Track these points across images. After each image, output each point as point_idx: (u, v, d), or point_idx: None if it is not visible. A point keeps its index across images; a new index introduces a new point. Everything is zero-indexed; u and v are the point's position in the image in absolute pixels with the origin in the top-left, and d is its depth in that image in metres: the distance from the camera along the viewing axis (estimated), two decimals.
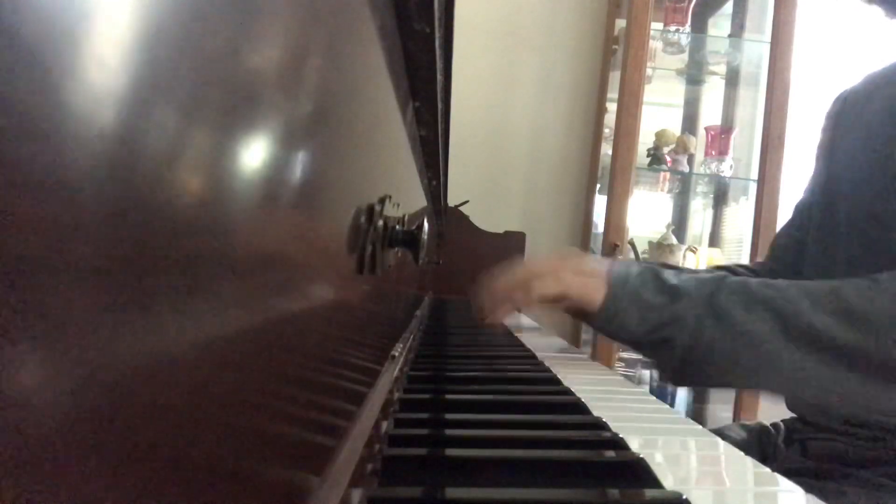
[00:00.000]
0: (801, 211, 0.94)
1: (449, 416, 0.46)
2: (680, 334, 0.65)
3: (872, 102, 0.83)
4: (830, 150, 0.90)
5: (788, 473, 0.38)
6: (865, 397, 0.61)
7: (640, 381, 1.87)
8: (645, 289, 0.68)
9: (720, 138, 2.00)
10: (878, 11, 0.81)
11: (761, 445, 0.86)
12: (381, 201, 0.36)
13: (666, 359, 0.66)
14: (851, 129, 0.86)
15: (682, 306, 0.65)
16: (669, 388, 1.94)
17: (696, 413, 1.92)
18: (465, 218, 1.83)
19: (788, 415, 0.88)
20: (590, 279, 0.69)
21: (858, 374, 0.60)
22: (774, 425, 0.88)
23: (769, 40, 1.89)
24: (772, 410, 0.98)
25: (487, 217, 1.89)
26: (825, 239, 0.85)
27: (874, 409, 0.65)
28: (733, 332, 0.63)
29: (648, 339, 0.67)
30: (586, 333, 1.93)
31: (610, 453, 0.39)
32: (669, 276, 0.69)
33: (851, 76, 0.92)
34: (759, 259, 1.84)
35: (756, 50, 2.04)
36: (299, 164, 0.20)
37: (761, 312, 0.63)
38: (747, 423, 0.94)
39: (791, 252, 0.93)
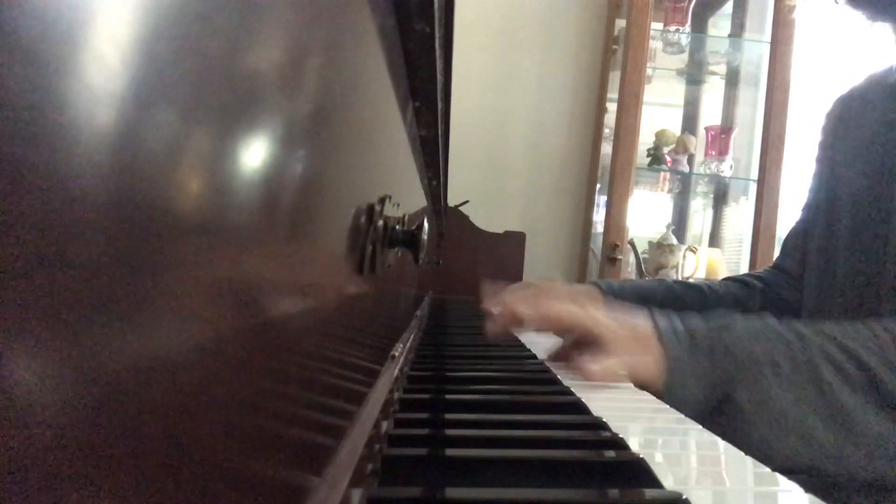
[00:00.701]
0: (808, 213, 0.94)
1: (449, 416, 0.46)
2: (743, 390, 0.59)
3: (872, 106, 0.83)
4: (831, 154, 0.90)
5: (786, 472, 0.38)
6: None
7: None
8: (702, 353, 0.62)
9: (720, 138, 2.00)
10: (861, 15, 0.80)
11: None
12: (381, 201, 0.36)
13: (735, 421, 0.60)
14: (851, 133, 0.86)
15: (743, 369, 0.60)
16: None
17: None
18: (465, 218, 1.83)
19: None
20: (639, 343, 0.63)
21: None
22: None
23: (769, 40, 1.89)
24: None
25: (487, 217, 1.89)
26: (827, 243, 0.85)
27: None
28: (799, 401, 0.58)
29: (710, 404, 0.61)
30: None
31: (610, 453, 0.39)
32: (718, 326, 0.63)
33: (852, 76, 0.92)
34: (759, 259, 1.84)
35: (756, 50, 2.05)
36: (299, 164, 0.20)
37: (827, 372, 0.58)
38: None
39: (800, 253, 0.93)
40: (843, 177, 0.84)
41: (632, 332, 0.64)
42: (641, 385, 0.63)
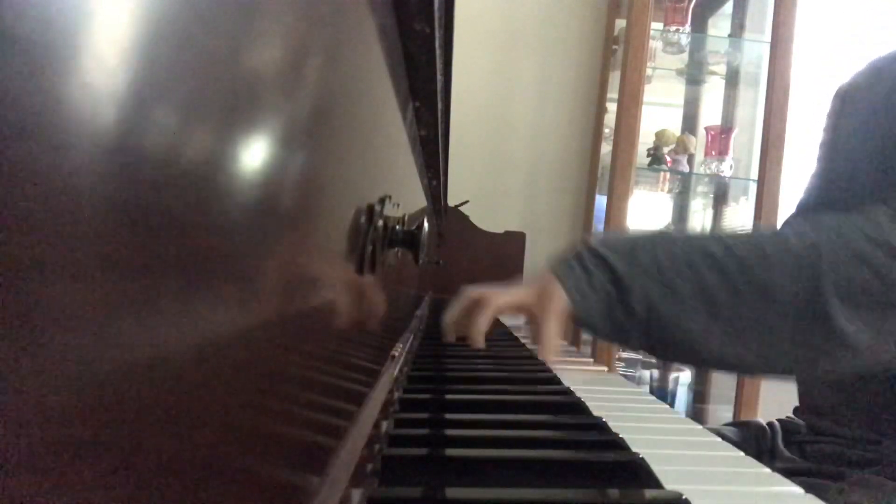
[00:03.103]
0: (805, 199, 0.94)
1: (449, 416, 0.46)
2: (637, 307, 0.64)
3: (876, 90, 0.83)
4: (832, 139, 0.90)
5: (786, 473, 0.38)
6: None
7: (640, 381, 1.87)
8: (586, 273, 0.67)
9: (720, 138, 2.00)
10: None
11: (758, 445, 0.86)
12: (381, 201, 0.36)
13: (639, 332, 0.65)
14: (852, 118, 0.86)
15: (622, 277, 0.65)
16: (669, 387, 1.95)
17: (696, 413, 1.92)
18: (465, 218, 1.83)
19: (785, 414, 0.88)
20: (536, 285, 0.70)
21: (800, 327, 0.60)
22: (770, 425, 0.88)
23: (769, 40, 1.89)
24: (772, 410, 0.98)
25: (487, 217, 1.89)
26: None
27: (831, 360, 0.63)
28: (676, 290, 0.63)
29: (612, 323, 0.66)
30: (587, 334, 1.93)
31: (610, 453, 0.39)
32: (604, 249, 0.68)
33: (852, 71, 0.92)
34: None
35: (756, 50, 2.04)
36: (299, 164, 0.20)
37: (702, 266, 0.63)
38: (745, 421, 0.94)
39: None
40: (842, 164, 0.84)
41: (536, 288, 0.70)
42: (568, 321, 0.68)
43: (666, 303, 0.63)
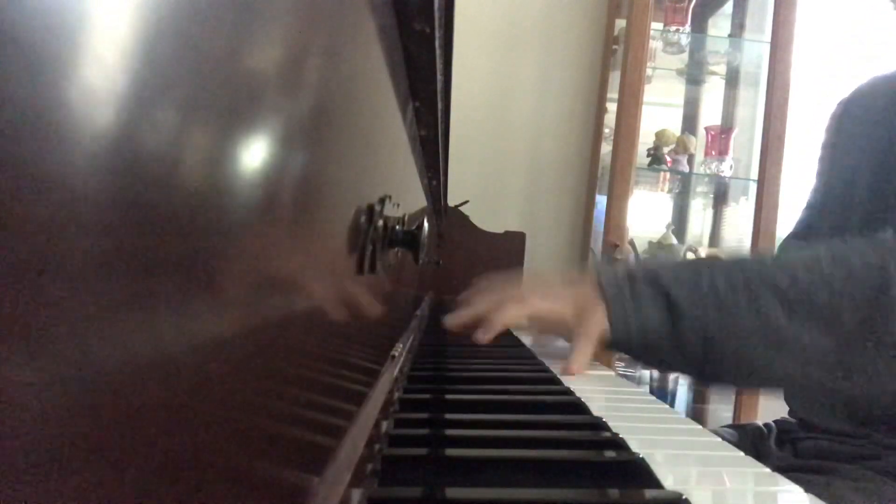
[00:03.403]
0: (807, 215, 0.94)
1: (449, 415, 0.46)
2: (690, 332, 0.63)
3: (880, 105, 0.83)
4: (832, 154, 0.90)
5: (780, 472, 0.38)
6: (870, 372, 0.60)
7: (640, 381, 1.87)
8: (638, 293, 0.65)
9: (720, 138, 2.00)
10: (886, 4, 0.81)
11: (755, 446, 0.86)
12: (381, 201, 0.36)
13: (687, 360, 0.64)
14: (854, 132, 0.86)
15: (678, 303, 0.63)
16: (669, 387, 1.94)
17: (696, 413, 1.92)
18: (465, 218, 1.83)
19: (782, 416, 0.88)
20: (576, 295, 0.67)
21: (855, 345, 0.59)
22: (767, 426, 0.88)
23: (769, 40, 1.89)
24: (770, 411, 0.98)
25: (487, 217, 1.89)
26: (839, 234, 0.85)
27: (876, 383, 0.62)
28: (737, 322, 0.61)
29: (669, 335, 0.64)
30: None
31: (610, 453, 0.39)
32: (659, 272, 0.66)
33: (852, 76, 0.93)
34: None
35: (756, 50, 2.04)
36: (299, 165, 0.20)
37: (763, 295, 0.62)
38: (741, 423, 0.94)
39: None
40: (845, 174, 0.84)
41: (578, 301, 0.68)
42: (588, 334, 0.67)
43: (725, 334, 0.62)
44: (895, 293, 0.60)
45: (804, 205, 0.96)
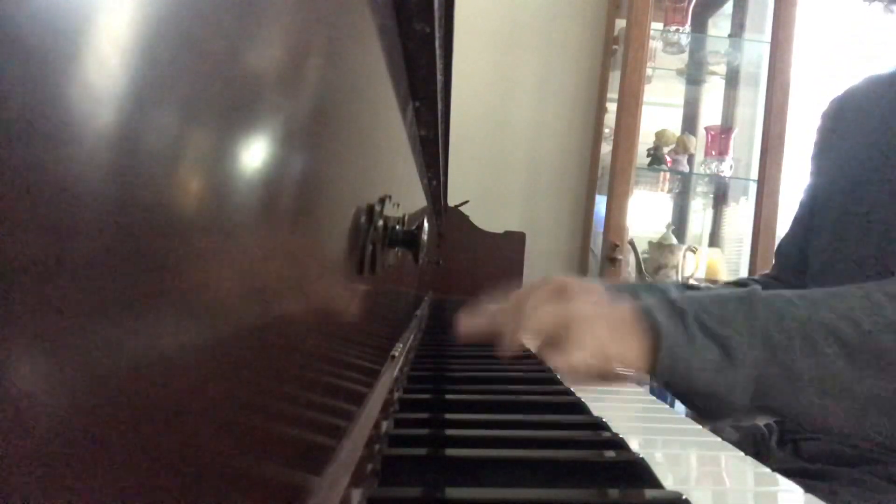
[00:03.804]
0: (801, 214, 0.94)
1: (449, 415, 0.46)
2: (739, 379, 0.58)
3: (874, 103, 0.82)
4: (825, 152, 0.90)
5: (781, 473, 0.38)
6: None
7: (640, 382, 1.87)
8: (690, 336, 0.59)
9: (720, 138, 2.00)
10: (877, 6, 0.80)
11: (755, 446, 0.86)
12: (381, 201, 0.36)
13: (728, 408, 0.59)
14: (848, 130, 0.86)
15: (733, 347, 0.59)
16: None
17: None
18: (465, 218, 1.83)
19: None
20: (617, 331, 0.61)
21: None
22: (767, 426, 0.88)
23: (769, 40, 1.89)
24: None
25: (487, 217, 1.89)
26: (824, 243, 0.85)
27: None
28: (793, 370, 0.57)
29: (709, 391, 0.59)
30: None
31: (610, 453, 0.39)
32: (707, 310, 0.61)
33: (851, 76, 0.92)
34: (759, 259, 1.84)
35: (756, 50, 2.05)
36: (299, 165, 0.20)
37: (820, 340, 0.57)
38: (741, 424, 0.93)
39: (795, 259, 0.93)
40: (840, 172, 0.84)
41: (608, 319, 0.62)
42: (628, 368, 0.61)
43: (778, 381, 0.58)
44: None
45: (798, 204, 0.96)
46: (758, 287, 0.64)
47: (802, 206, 0.94)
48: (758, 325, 0.59)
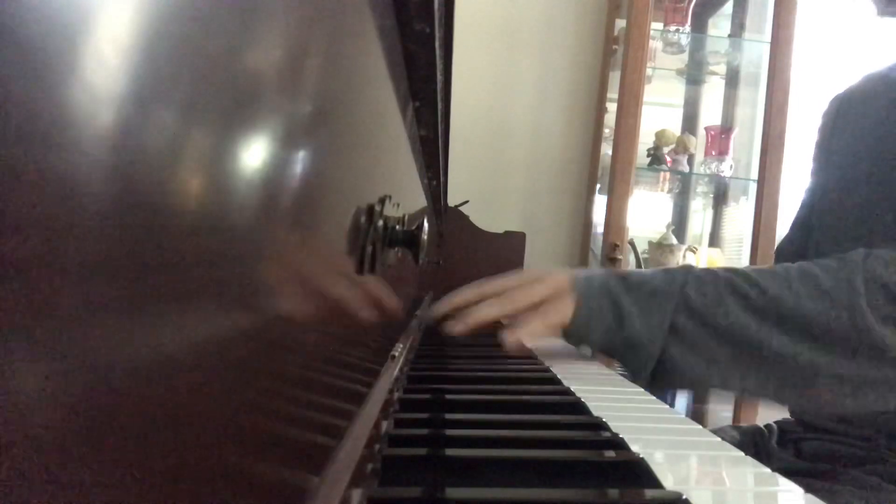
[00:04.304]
0: (802, 214, 0.94)
1: (449, 416, 0.46)
2: (646, 332, 0.64)
3: (875, 102, 0.82)
4: (826, 152, 0.90)
5: (782, 473, 0.38)
6: (857, 383, 0.60)
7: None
8: (612, 289, 0.67)
9: (720, 138, 2.00)
10: (869, 8, 0.81)
11: (755, 447, 0.86)
12: (381, 201, 0.36)
13: (640, 360, 0.65)
14: (849, 129, 0.86)
15: (655, 304, 0.65)
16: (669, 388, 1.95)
17: (696, 413, 1.92)
18: (465, 218, 1.83)
19: (783, 416, 0.88)
20: (548, 290, 0.69)
21: (846, 357, 0.59)
22: (768, 427, 0.88)
23: (769, 40, 1.89)
24: (769, 412, 0.98)
25: (487, 217, 1.89)
26: (824, 243, 0.85)
27: (868, 400, 0.62)
28: (712, 326, 0.63)
29: (620, 341, 0.66)
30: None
31: (610, 453, 0.39)
32: (635, 274, 0.69)
33: (851, 76, 0.92)
34: (759, 259, 1.84)
35: (756, 50, 2.05)
36: (299, 165, 0.20)
37: (730, 300, 0.63)
38: (741, 424, 0.93)
39: (795, 259, 0.93)
40: (840, 171, 0.84)
41: (546, 291, 0.70)
42: (558, 333, 0.69)
43: (691, 336, 0.64)
44: (862, 301, 0.60)
45: (799, 204, 0.96)
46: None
47: (803, 206, 0.94)
48: (675, 286, 0.65)
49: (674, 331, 0.64)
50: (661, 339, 0.64)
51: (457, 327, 0.72)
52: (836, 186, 0.84)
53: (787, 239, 0.97)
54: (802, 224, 0.93)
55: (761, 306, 0.62)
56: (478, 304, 0.73)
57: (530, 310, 0.70)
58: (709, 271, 0.67)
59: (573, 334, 0.69)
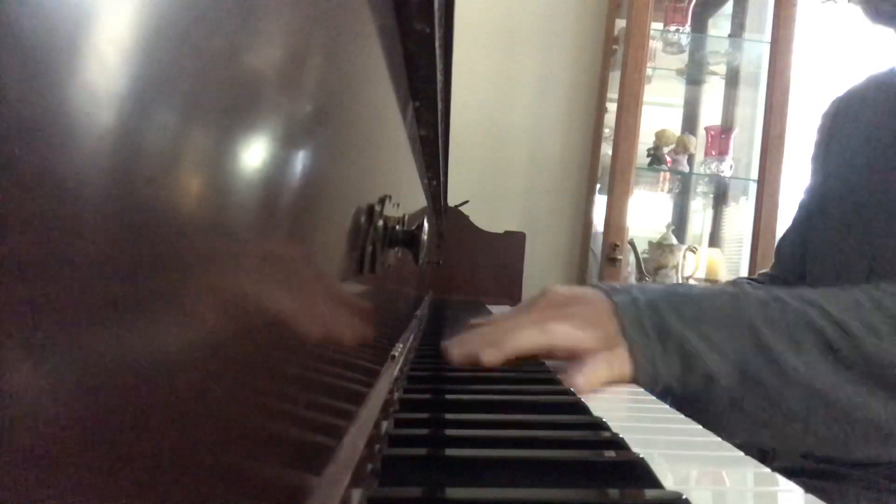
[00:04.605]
0: (801, 215, 0.94)
1: (449, 416, 0.46)
2: (721, 367, 0.57)
3: (874, 103, 0.82)
4: (826, 152, 0.90)
5: (786, 473, 0.38)
6: None
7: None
8: (666, 322, 0.59)
9: (720, 138, 2.00)
10: (863, 16, 0.81)
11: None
12: (381, 201, 0.36)
13: (712, 400, 0.58)
14: (849, 130, 0.86)
15: (717, 338, 0.58)
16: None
17: None
18: (465, 218, 1.83)
19: None
20: (590, 326, 0.60)
21: None
22: None
23: (769, 40, 1.89)
24: None
25: (487, 217, 1.89)
26: (823, 243, 0.85)
27: None
28: (777, 366, 0.56)
29: (690, 381, 0.59)
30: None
31: (610, 453, 0.39)
32: (685, 303, 0.61)
33: (851, 76, 0.92)
34: (759, 259, 1.84)
35: (756, 50, 2.05)
36: (299, 165, 0.20)
37: (808, 339, 0.56)
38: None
39: (795, 259, 0.93)
40: (839, 172, 0.84)
41: (595, 330, 0.61)
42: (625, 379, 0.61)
43: (759, 381, 0.56)
44: None
45: (798, 204, 0.96)
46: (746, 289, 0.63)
47: (802, 206, 0.95)
48: (743, 325, 0.58)
49: (741, 363, 0.58)
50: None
51: (491, 358, 0.61)
52: (836, 187, 0.84)
53: (787, 239, 0.97)
54: (802, 225, 0.93)
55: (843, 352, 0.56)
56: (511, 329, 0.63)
57: (571, 344, 0.61)
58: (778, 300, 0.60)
59: (642, 373, 0.60)
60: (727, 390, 0.58)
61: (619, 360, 0.60)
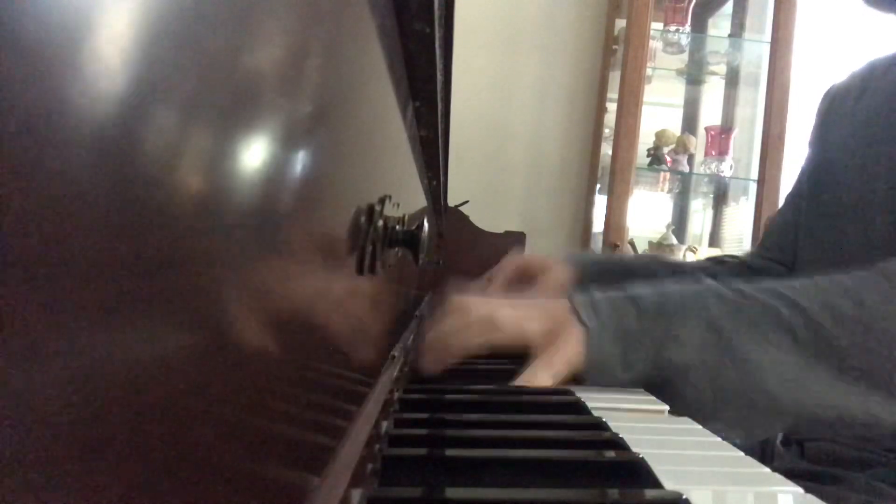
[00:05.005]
0: (792, 199, 0.94)
1: (449, 416, 0.46)
2: (679, 355, 0.56)
3: (873, 91, 0.82)
4: (821, 139, 0.90)
5: (785, 474, 0.38)
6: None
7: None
8: (623, 315, 0.57)
9: (720, 138, 2.00)
10: (857, 0, 0.81)
11: (760, 446, 0.86)
12: (381, 201, 0.36)
13: (685, 387, 0.57)
14: (844, 117, 0.86)
15: (674, 325, 0.57)
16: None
17: None
18: (465, 218, 1.83)
19: None
20: (537, 312, 0.59)
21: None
22: None
23: (769, 40, 1.89)
24: None
25: (487, 217, 1.89)
26: (813, 228, 0.85)
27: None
28: (737, 354, 0.55)
29: (655, 373, 0.57)
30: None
31: (610, 453, 0.39)
32: (643, 292, 0.59)
33: (850, 67, 0.93)
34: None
35: (756, 50, 2.05)
36: (299, 165, 0.20)
37: (772, 329, 0.55)
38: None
39: (784, 238, 0.93)
40: (835, 158, 0.84)
41: (551, 327, 0.59)
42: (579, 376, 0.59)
43: (728, 364, 0.55)
44: None
45: (792, 186, 0.96)
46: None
47: (794, 189, 0.95)
48: (697, 305, 0.57)
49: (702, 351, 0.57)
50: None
51: (434, 367, 0.60)
52: (826, 171, 0.84)
53: (778, 221, 0.98)
54: (792, 207, 0.93)
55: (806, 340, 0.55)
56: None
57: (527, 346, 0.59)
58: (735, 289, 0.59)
59: (590, 364, 0.58)
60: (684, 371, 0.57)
61: (567, 342, 0.58)
